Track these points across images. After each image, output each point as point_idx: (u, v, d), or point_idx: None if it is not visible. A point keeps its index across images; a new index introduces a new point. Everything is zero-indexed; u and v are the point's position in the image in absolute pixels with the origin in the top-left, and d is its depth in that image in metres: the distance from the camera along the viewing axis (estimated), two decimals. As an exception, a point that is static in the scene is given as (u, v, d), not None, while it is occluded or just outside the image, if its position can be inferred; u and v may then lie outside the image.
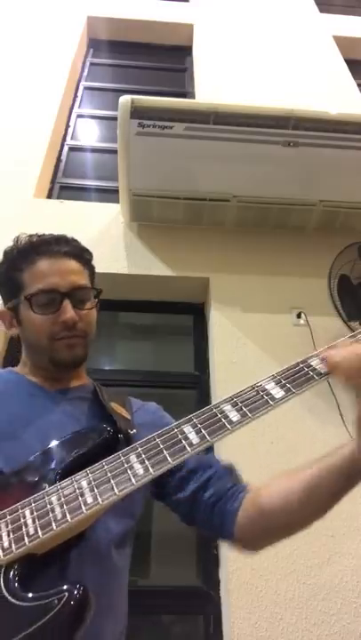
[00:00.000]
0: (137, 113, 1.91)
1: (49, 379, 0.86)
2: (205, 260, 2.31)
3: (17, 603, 0.53)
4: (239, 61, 3.48)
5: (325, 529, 1.63)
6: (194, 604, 1.66)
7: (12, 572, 0.55)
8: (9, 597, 0.53)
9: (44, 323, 0.81)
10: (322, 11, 4.31)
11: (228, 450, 1.80)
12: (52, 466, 0.67)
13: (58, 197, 2.75)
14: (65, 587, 0.54)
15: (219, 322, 2.13)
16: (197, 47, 3.74)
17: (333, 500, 0.71)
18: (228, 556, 1.56)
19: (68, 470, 0.65)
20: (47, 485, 0.63)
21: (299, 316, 2.14)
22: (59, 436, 0.72)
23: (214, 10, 4.08)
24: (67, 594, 0.53)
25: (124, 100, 1.90)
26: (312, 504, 0.70)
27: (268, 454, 1.76)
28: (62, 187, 2.84)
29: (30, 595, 0.54)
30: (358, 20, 4.30)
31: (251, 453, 1.73)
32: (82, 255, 0.88)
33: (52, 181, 2.83)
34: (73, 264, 0.85)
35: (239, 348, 2.04)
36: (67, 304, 0.81)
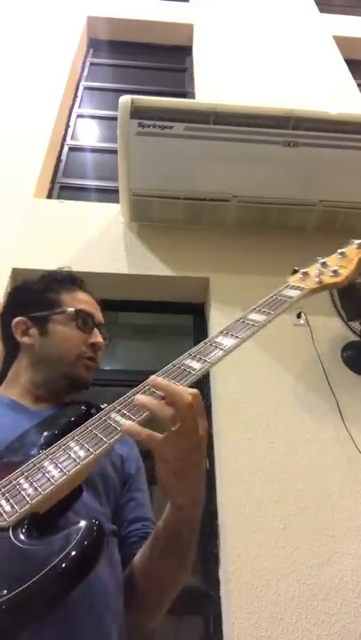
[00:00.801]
0: (137, 113, 1.91)
1: (34, 401, 0.87)
2: (205, 260, 2.31)
3: (33, 547, 0.53)
4: (239, 61, 3.48)
5: (325, 529, 1.63)
6: (194, 604, 1.66)
7: (19, 530, 0.55)
8: (23, 546, 0.53)
9: (78, 339, 0.90)
10: (322, 11, 4.31)
11: (228, 450, 1.81)
12: (34, 444, 0.69)
13: (58, 197, 2.75)
14: (80, 521, 0.55)
15: (219, 322, 2.13)
16: (197, 47, 3.74)
17: (166, 557, 0.74)
18: (229, 555, 1.56)
19: (51, 443, 0.66)
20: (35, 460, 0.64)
21: (299, 315, 2.13)
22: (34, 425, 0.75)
23: (214, 10, 4.08)
24: (83, 525, 0.54)
25: (124, 100, 1.90)
26: (153, 561, 0.75)
27: (268, 454, 1.76)
28: (62, 187, 2.84)
29: (45, 538, 0.54)
30: (358, 19, 4.31)
31: (251, 453, 1.73)
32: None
33: (52, 181, 2.83)
34: (99, 309, 0.98)
35: (239, 348, 2.03)
36: (98, 333, 0.93)
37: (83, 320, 0.92)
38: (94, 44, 3.96)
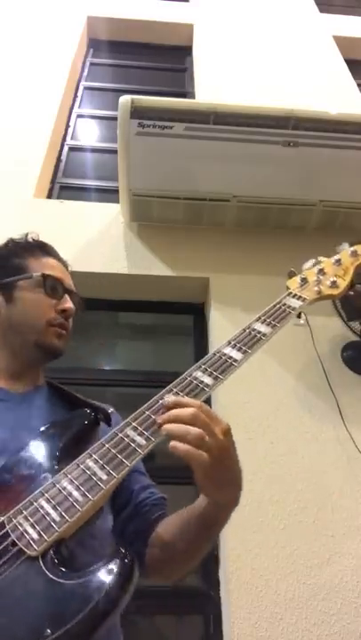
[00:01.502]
0: (137, 113, 1.91)
1: (12, 379, 0.85)
2: (205, 260, 2.31)
3: (71, 582, 0.53)
4: (239, 61, 3.48)
5: (325, 529, 1.63)
6: (194, 603, 1.66)
7: (49, 560, 0.55)
8: (62, 581, 0.53)
9: (46, 305, 0.86)
10: (322, 11, 4.31)
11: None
12: (45, 455, 0.68)
13: (58, 197, 2.74)
14: (113, 553, 0.55)
15: (219, 322, 2.13)
16: (197, 47, 3.73)
17: (200, 540, 0.77)
18: (229, 555, 1.56)
19: (63, 456, 0.66)
20: (49, 475, 0.63)
21: (299, 316, 2.12)
22: (38, 430, 0.73)
23: (214, 10, 4.08)
24: (118, 559, 0.54)
25: (124, 100, 1.90)
26: (185, 540, 0.77)
27: (268, 454, 1.76)
28: (62, 187, 2.84)
29: (80, 572, 0.54)
30: (358, 19, 4.30)
31: (251, 453, 1.73)
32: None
33: (52, 181, 2.83)
34: (69, 275, 0.95)
35: (239, 348, 2.04)
36: (68, 298, 0.88)
37: (51, 285, 0.87)
38: (94, 44, 3.96)
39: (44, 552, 0.55)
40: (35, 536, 0.56)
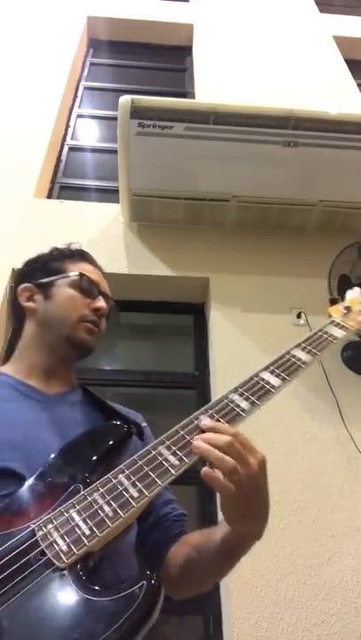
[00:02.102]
0: (137, 113, 1.91)
1: (46, 377, 0.87)
2: (205, 260, 2.31)
3: (97, 599, 0.53)
4: (239, 61, 3.48)
5: (325, 529, 1.63)
6: (194, 603, 1.66)
7: (77, 573, 0.54)
8: (88, 596, 0.53)
9: (81, 302, 0.90)
10: (322, 11, 4.31)
11: (228, 450, 1.80)
12: (78, 466, 0.67)
13: (58, 197, 2.75)
14: (140, 576, 0.54)
15: (219, 322, 2.13)
16: (197, 47, 3.73)
17: (216, 567, 0.77)
18: (228, 556, 1.56)
19: (96, 468, 0.66)
20: (81, 486, 0.63)
21: (299, 316, 2.14)
22: (70, 437, 0.73)
23: (214, 10, 4.08)
24: (145, 582, 0.53)
25: (124, 100, 1.90)
26: (201, 565, 0.77)
27: (268, 455, 1.75)
28: (62, 187, 2.84)
29: (107, 590, 0.54)
30: (358, 19, 4.30)
31: (251, 453, 1.73)
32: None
33: (52, 181, 2.83)
34: (105, 281, 1.00)
35: (239, 348, 2.04)
36: (102, 299, 0.92)
37: (86, 285, 0.92)
38: (94, 44, 3.96)
39: (71, 565, 0.55)
40: (64, 548, 0.55)
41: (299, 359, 0.77)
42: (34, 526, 0.58)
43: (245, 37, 3.76)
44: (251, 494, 0.61)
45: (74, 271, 0.93)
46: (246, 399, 0.70)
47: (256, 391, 0.71)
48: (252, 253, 2.34)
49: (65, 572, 0.54)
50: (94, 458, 0.68)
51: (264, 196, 2.22)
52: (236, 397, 0.70)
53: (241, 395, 0.71)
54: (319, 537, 1.61)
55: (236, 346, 2.05)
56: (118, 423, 0.77)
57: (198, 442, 0.61)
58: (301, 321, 2.12)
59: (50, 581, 0.53)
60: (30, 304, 0.92)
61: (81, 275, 0.92)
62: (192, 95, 3.44)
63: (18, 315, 0.95)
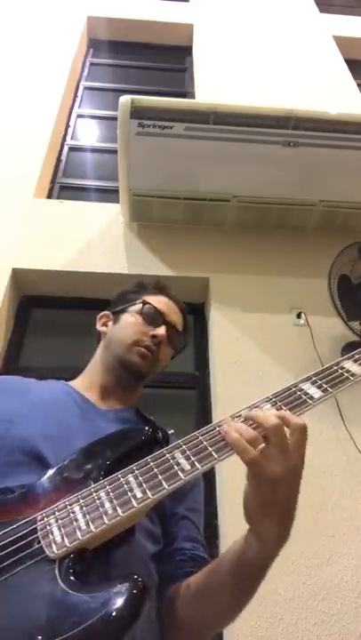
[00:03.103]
0: (137, 113, 1.91)
1: (102, 396, 0.90)
2: (205, 260, 2.31)
3: (75, 594, 0.52)
4: (239, 61, 3.48)
5: (325, 529, 1.63)
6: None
7: (65, 566, 0.55)
8: (67, 589, 0.53)
9: (139, 328, 0.93)
10: (322, 11, 4.31)
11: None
12: (96, 463, 0.68)
13: (58, 197, 2.74)
14: (124, 578, 0.53)
15: (219, 322, 2.13)
16: (197, 47, 3.73)
17: (231, 590, 0.67)
18: (228, 556, 1.56)
19: (112, 468, 0.66)
20: (92, 482, 0.63)
21: (299, 316, 2.14)
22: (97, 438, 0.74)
23: (214, 10, 4.08)
24: (127, 584, 0.52)
25: (124, 100, 1.90)
26: (213, 591, 0.69)
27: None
28: (62, 187, 2.84)
29: (88, 587, 0.53)
30: (358, 19, 4.30)
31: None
32: (186, 316, 1.03)
33: (52, 181, 2.83)
34: (180, 316, 1.01)
35: (239, 348, 2.04)
36: (163, 327, 0.93)
37: (148, 312, 0.95)
38: (94, 44, 3.96)
39: (62, 557, 0.55)
40: (58, 539, 0.56)
41: (348, 370, 0.78)
42: (37, 515, 0.59)
43: (245, 37, 3.76)
44: (283, 480, 0.59)
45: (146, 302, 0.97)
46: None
47: (294, 402, 0.72)
48: (252, 253, 2.34)
49: (54, 563, 0.54)
50: (112, 458, 0.69)
51: (264, 196, 2.22)
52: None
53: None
54: (319, 537, 1.61)
55: (236, 346, 2.05)
56: (142, 427, 0.77)
57: (228, 428, 0.61)
58: (301, 321, 2.12)
59: (37, 568, 0.54)
60: (103, 328, 0.99)
61: (144, 302, 0.96)
62: (192, 95, 3.44)
63: (97, 339, 1.01)
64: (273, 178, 2.13)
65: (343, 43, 3.87)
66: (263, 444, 0.60)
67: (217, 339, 2.09)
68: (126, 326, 0.94)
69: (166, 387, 2.18)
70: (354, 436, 1.82)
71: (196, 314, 2.38)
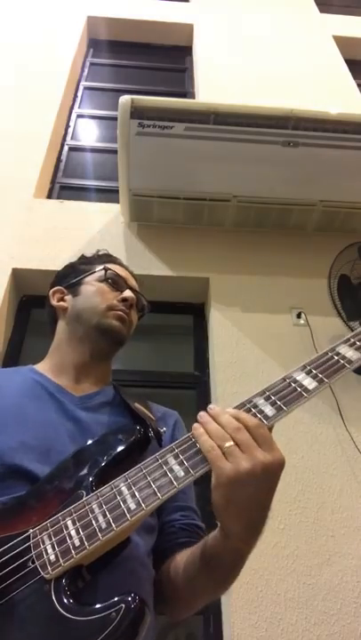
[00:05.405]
0: (137, 113, 1.91)
1: (76, 379, 0.86)
2: (205, 260, 2.31)
3: (73, 617, 0.51)
4: (239, 61, 3.48)
5: (325, 529, 1.63)
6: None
7: (61, 586, 0.53)
8: (64, 613, 0.51)
9: (109, 294, 0.92)
10: (322, 11, 4.31)
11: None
12: (86, 470, 0.65)
13: (58, 197, 2.74)
14: (120, 598, 0.52)
15: (219, 322, 2.13)
16: (197, 47, 3.73)
17: (200, 579, 0.70)
18: (228, 556, 1.56)
19: (103, 474, 0.64)
20: (84, 492, 0.61)
21: (299, 315, 2.14)
22: (88, 440, 0.71)
23: (214, 10, 4.08)
24: (124, 605, 0.51)
25: (124, 100, 1.90)
26: (186, 578, 0.71)
27: (268, 454, 1.75)
28: (62, 187, 2.84)
29: (85, 608, 0.52)
30: (358, 19, 4.30)
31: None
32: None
33: (52, 181, 2.83)
34: (134, 281, 1.01)
35: (239, 348, 2.04)
36: (129, 290, 0.94)
37: (112, 278, 0.94)
38: (94, 44, 3.96)
39: (58, 577, 0.54)
40: (52, 558, 0.54)
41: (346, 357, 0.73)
42: (30, 532, 0.57)
43: (245, 37, 3.76)
44: (240, 480, 0.55)
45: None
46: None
47: (288, 398, 0.70)
48: (252, 253, 2.34)
49: (50, 584, 0.53)
50: (103, 463, 0.66)
51: (264, 196, 2.22)
52: (261, 401, 0.70)
53: (267, 398, 0.70)
54: (319, 537, 1.61)
55: (236, 346, 2.05)
56: (133, 427, 0.73)
57: (197, 425, 0.60)
58: (301, 321, 2.12)
59: (33, 591, 0.53)
60: (61, 303, 0.95)
61: (106, 268, 0.95)
62: (192, 95, 3.44)
63: (51, 318, 0.98)
64: (273, 178, 2.13)
65: (343, 43, 3.87)
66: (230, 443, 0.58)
67: (217, 339, 2.09)
68: (93, 295, 0.92)
69: (166, 387, 2.18)
70: (354, 436, 1.82)
71: (196, 314, 2.38)
